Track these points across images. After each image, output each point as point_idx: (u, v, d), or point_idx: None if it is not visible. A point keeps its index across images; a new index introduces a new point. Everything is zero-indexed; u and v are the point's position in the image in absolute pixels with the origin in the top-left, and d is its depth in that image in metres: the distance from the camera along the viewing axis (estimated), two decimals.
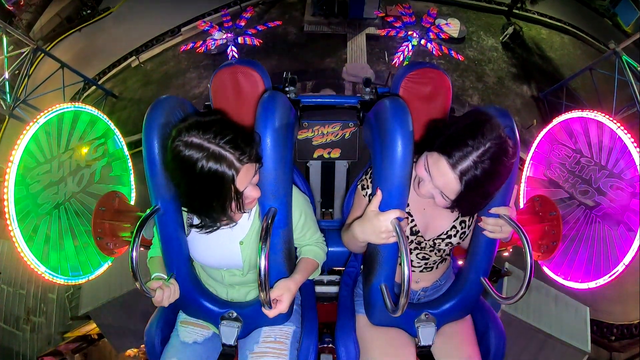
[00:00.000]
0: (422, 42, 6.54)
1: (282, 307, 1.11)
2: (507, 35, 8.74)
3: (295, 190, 1.22)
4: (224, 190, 0.96)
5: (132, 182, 1.80)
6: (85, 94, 7.92)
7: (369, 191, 1.20)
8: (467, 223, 1.22)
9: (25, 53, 6.47)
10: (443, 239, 1.22)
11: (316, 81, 7.61)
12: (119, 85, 8.16)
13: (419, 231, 1.21)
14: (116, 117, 7.43)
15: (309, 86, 7.53)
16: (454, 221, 1.21)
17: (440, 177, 0.99)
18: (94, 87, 7.85)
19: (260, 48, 7.50)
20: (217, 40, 6.71)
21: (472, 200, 1.02)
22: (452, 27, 8.29)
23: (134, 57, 8.39)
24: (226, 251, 1.19)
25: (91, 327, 4.88)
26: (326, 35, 8.54)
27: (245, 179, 0.98)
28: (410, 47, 6.49)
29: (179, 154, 0.93)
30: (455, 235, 1.22)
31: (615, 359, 5.30)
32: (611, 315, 5.41)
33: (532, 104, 7.88)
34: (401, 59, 6.52)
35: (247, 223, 1.18)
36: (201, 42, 6.81)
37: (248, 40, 6.64)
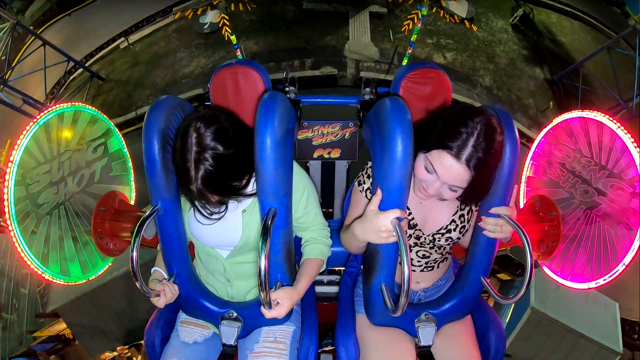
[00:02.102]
0: (433, 10, 6.37)
1: (280, 311, 1.11)
2: (517, 18, 8.61)
3: (297, 167, 1.22)
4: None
5: (132, 182, 1.80)
6: (71, 77, 7.70)
7: (366, 186, 1.20)
8: (466, 217, 1.23)
9: (5, 29, 6.24)
10: (442, 234, 1.22)
11: (316, 58, 7.33)
12: (106, 67, 7.96)
13: (416, 224, 1.21)
14: (102, 99, 7.27)
15: (308, 64, 7.28)
16: (453, 215, 1.22)
17: (447, 171, 1.01)
18: (80, 70, 7.63)
19: (257, 26, 7.31)
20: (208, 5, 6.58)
21: (480, 184, 1.04)
22: None
23: (122, 39, 8.19)
24: (227, 221, 1.19)
25: (63, 326, 4.61)
26: (327, 13, 8.24)
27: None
28: (419, 16, 6.23)
29: (178, 131, 1.05)
30: (454, 230, 1.22)
31: (638, 359, 5.11)
32: (633, 313, 5.15)
33: (546, 87, 7.69)
34: (410, 27, 6.32)
35: (252, 191, 1.17)
36: (192, 13, 6.64)
37: (240, 6, 6.46)
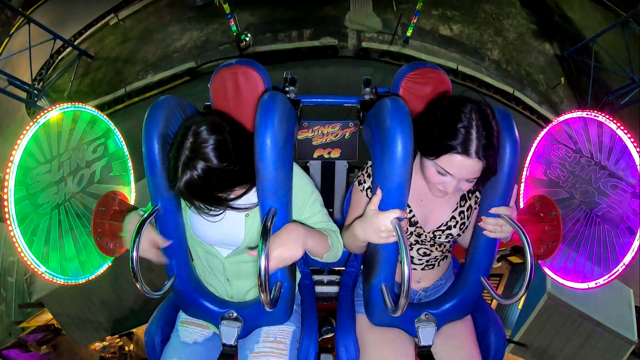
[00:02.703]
0: None
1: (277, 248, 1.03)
2: None
3: (298, 169, 1.20)
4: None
5: (132, 182, 1.80)
6: (60, 57, 7.45)
7: (366, 185, 1.21)
8: (466, 214, 1.23)
9: None
10: (443, 231, 1.23)
11: (315, 29, 6.93)
12: (95, 45, 7.70)
13: (417, 222, 1.22)
14: (90, 77, 7.08)
15: (306, 34, 6.88)
16: (453, 212, 1.22)
17: (461, 169, 1.02)
18: (69, 50, 7.37)
19: None
20: None
21: (491, 165, 1.05)
22: None
23: (112, 15, 7.94)
24: (230, 222, 1.18)
25: (50, 316, 4.44)
26: None
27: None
28: None
29: (180, 128, 1.04)
30: (455, 227, 1.22)
31: None
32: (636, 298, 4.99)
33: (556, 63, 7.46)
34: None
35: (254, 196, 1.16)
36: None
37: None
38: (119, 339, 5.71)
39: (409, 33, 6.48)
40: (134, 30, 7.68)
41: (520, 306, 4.27)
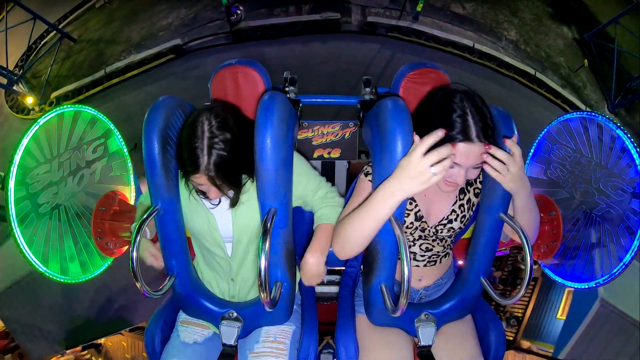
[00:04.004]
0: None
1: (310, 274, 1.19)
2: None
3: (297, 156, 1.24)
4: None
5: (132, 182, 1.80)
6: (42, 42, 7.21)
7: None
8: (466, 206, 1.24)
9: None
10: (445, 225, 1.23)
11: (314, 4, 6.41)
12: (79, 28, 7.45)
13: (422, 216, 1.23)
14: (72, 61, 6.83)
15: (305, 9, 6.41)
16: (453, 205, 1.23)
17: (468, 156, 1.02)
18: (53, 34, 7.11)
19: None
20: None
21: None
22: None
23: None
24: (218, 216, 1.21)
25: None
26: None
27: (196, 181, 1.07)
28: None
29: (188, 119, 1.08)
30: (456, 220, 1.23)
31: None
32: None
33: (575, 47, 7.30)
34: None
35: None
36: None
37: None
38: (85, 352, 5.31)
39: (419, 8, 6.21)
40: (119, 11, 7.41)
41: (559, 315, 3.85)
